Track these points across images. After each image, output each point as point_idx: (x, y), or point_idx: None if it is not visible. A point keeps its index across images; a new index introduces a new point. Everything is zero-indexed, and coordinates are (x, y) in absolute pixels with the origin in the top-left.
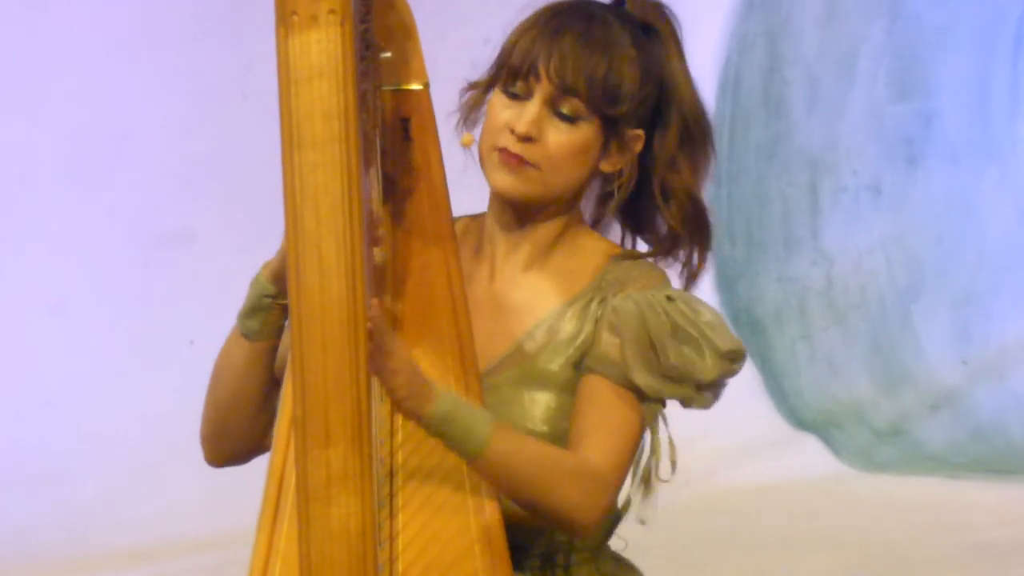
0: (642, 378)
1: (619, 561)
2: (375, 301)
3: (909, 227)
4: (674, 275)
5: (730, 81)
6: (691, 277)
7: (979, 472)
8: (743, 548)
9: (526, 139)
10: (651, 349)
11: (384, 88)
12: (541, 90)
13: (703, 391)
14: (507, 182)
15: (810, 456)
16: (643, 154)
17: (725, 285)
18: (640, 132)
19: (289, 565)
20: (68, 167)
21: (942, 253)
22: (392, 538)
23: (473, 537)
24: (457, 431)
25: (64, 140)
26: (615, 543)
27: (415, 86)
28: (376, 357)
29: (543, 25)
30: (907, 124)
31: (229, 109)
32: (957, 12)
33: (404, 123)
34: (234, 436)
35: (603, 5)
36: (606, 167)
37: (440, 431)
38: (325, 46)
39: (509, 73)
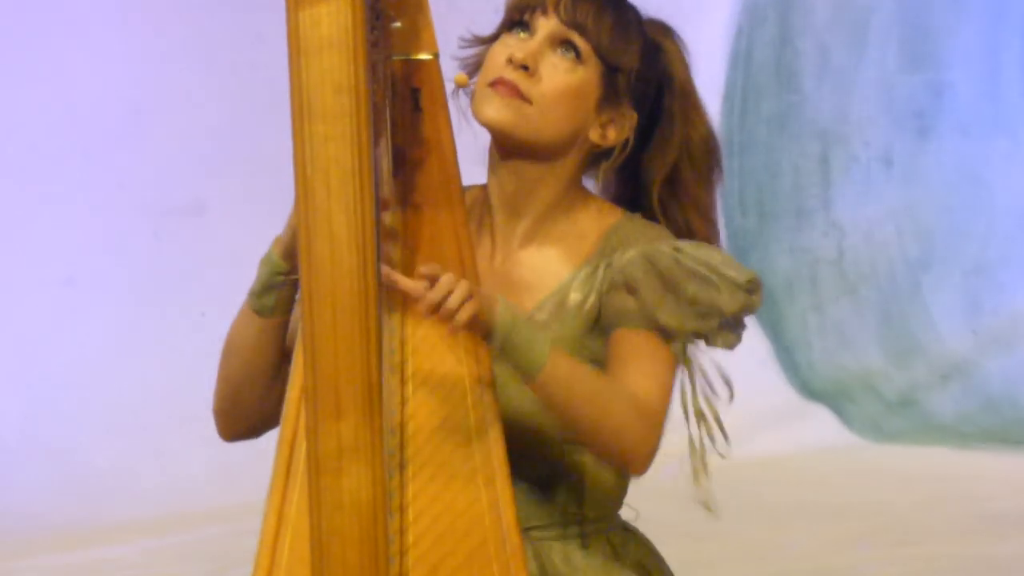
0: (665, 316)
1: (629, 532)
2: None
3: (920, 198)
4: None
5: (741, 53)
6: None
7: (989, 442)
8: (753, 518)
9: (524, 68)
10: (668, 290)
11: (394, 58)
12: (546, 25)
13: (726, 327)
14: (498, 114)
15: (821, 426)
16: (639, 149)
17: (737, 255)
18: (634, 114)
19: (299, 536)
20: (78, 140)
21: (952, 224)
22: (403, 509)
23: (484, 508)
24: (522, 342)
25: (74, 113)
26: (625, 513)
27: (425, 56)
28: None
29: None
30: (918, 96)
31: (239, 81)
32: None
33: (414, 93)
34: (246, 411)
35: None
36: (595, 136)
37: (508, 341)
38: (335, 18)
39: (515, 9)
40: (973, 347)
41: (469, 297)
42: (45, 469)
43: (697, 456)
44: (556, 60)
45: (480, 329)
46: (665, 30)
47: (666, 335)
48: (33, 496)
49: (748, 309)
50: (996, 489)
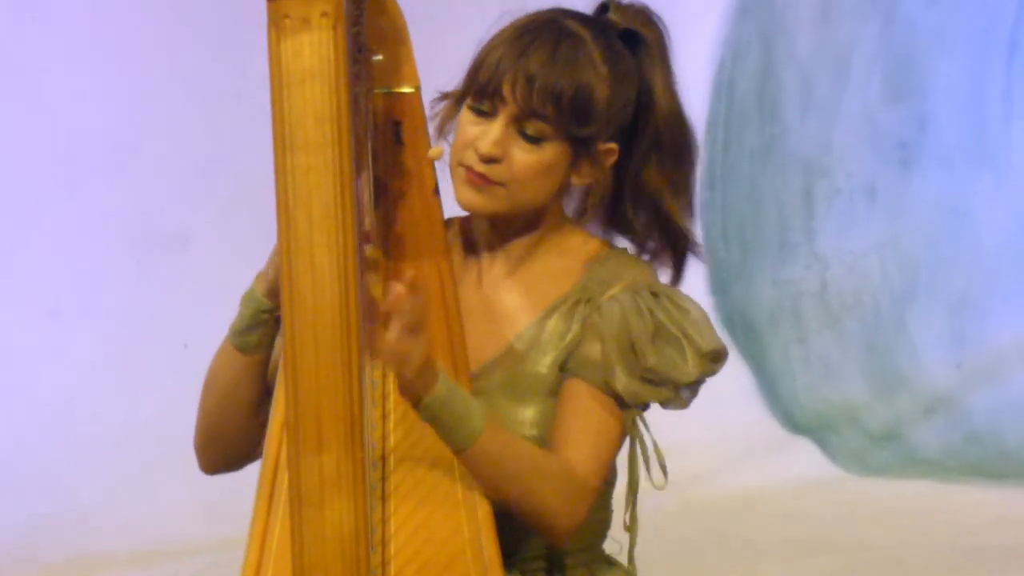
0: (622, 384)
1: (613, 565)
2: (411, 274)
3: (903, 230)
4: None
5: (724, 84)
6: (673, 281)
7: (973, 476)
8: (737, 552)
9: (490, 160)
10: (632, 352)
11: (376, 91)
12: (506, 111)
13: (682, 392)
14: (472, 199)
15: (804, 460)
16: (622, 161)
17: (719, 287)
18: (613, 146)
19: (282, 568)
20: (62, 170)
21: (936, 256)
22: (384, 543)
23: (465, 540)
24: (452, 419)
25: (58, 143)
26: (610, 546)
27: (407, 89)
28: (399, 337)
29: (511, 43)
30: (901, 127)
31: (222, 112)
32: (951, 15)
33: (396, 126)
34: (226, 445)
35: (578, 17)
36: (577, 181)
37: (436, 416)
38: (317, 49)
39: (476, 91)
40: (957, 381)
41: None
42: (28, 502)
43: (634, 521)
44: (521, 143)
45: (406, 398)
46: (641, 22)
47: (619, 402)
48: (16, 528)
49: (706, 376)
50: (980, 523)
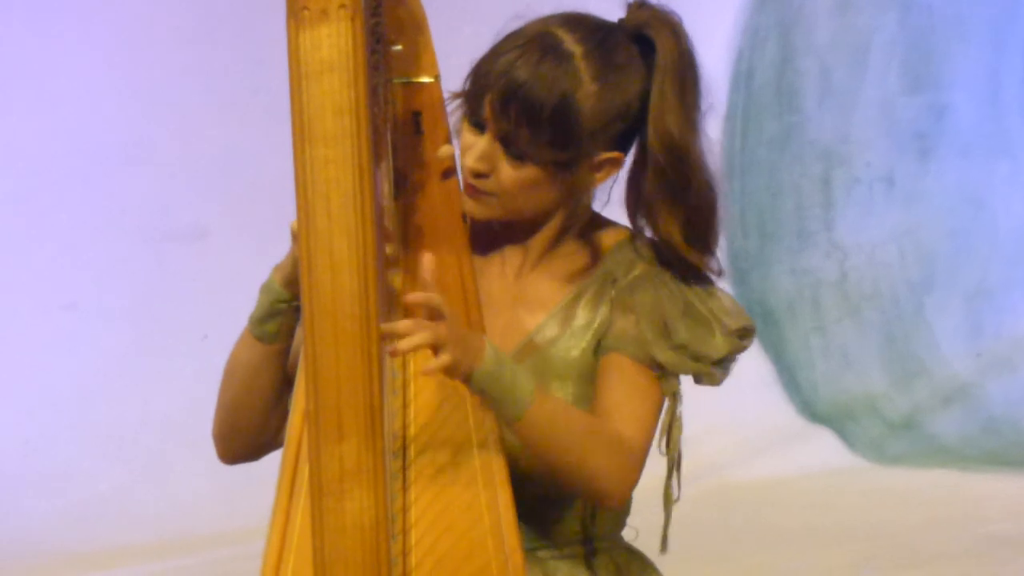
0: (662, 353)
1: (633, 552)
2: (428, 256)
3: (922, 220)
4: None
5: (743, 74)
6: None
7: (992, 465)
8: (756, 541)
9: (477, 175)
10: (664, 327)
11: (395, 81)
12: (490, 127)
13: (714, 367)
14: (470, 207)
15: (823, 449)
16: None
17: (738, 277)
18: (615, 155)
19: (302, 559)
20: (79, 165)
21: (955, 246)
22: (405, 532)
23: (486, 528)
24: (503, 391)
25: (75, 138)
26: (626, 533)
27: (426, 79)
28: (427, 326)
29: (499, 55)
30: (920, 117)
31: (240, 104)
32: (969, 4)
33: (415, 117)
34: (246, 435)
35: (574, 26)
36: (584, 186)
37: (487, 390)
38: (336, 40)
39: (466, 106)
40: (976, 369)
41: (443, 343)
42: (46, 494)
43: (669, 496)
44: (507, 158)
45: (457, 376)
46: (660, 28)
47: (659, 370)
48: (34, 521)
49: (736, 353)
50: (998, 511)
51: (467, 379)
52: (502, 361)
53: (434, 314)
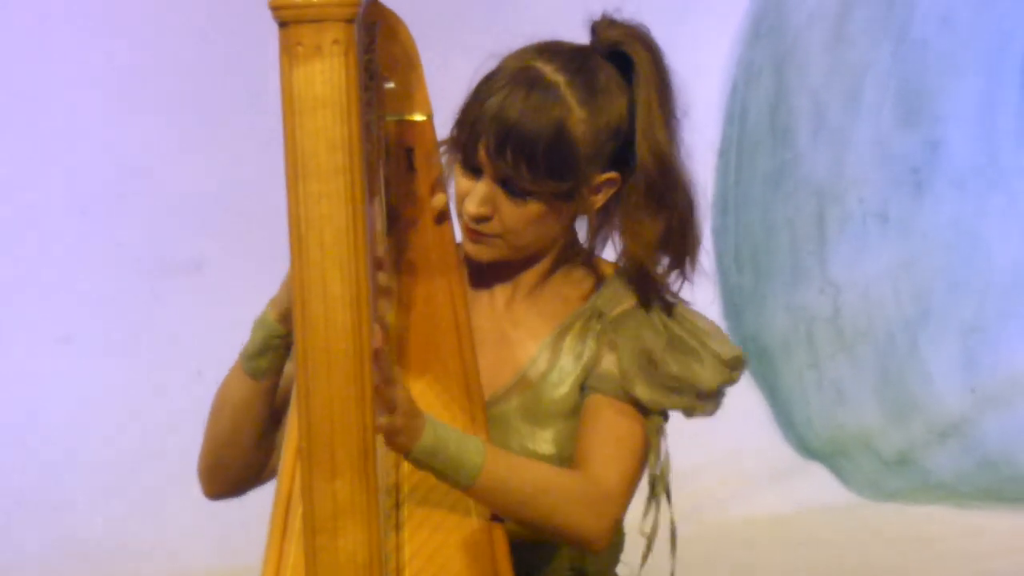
0: (643, 391)
1: None
2: (377, 327)
3: (916, 255)
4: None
5: (737, 110)
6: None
7: (987, 501)
8: None
9: (479, 219)
10: (650, 362)
11: (388, 118)
12: (487, 171)
13: (704, 400)
14: (474, 251)
15: (818, 485)
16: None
17: (732, 313)
18: (612, 175)
19: None
20: (74, 196)
21: (949, 281)
22: (399, 570)
23: (480, 567)
24: (447, 464)
25: (70, 170)
26: (621, 570)
27: (418, 117)
28: (377, 386)
29: (485, 98)
30: (914, 151)
31: (235, 139)
32: (964, 38)
33: (408, 153)
34: (231, 470)
35: (554, 56)
36: (587, 209)
37: (428, 465)
38: (329, 76)
39: (460, 154)
40: (971, 405)
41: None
42: (42, 528)
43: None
44: (509, 197)
45: (395, 449)
46: (631, 42)
47: (642, 410)
48: (30, 555)
49: (726, 384)
50: (994, 548)
51: (406, 455)
52: (443, 435)
53: (387, 378)
